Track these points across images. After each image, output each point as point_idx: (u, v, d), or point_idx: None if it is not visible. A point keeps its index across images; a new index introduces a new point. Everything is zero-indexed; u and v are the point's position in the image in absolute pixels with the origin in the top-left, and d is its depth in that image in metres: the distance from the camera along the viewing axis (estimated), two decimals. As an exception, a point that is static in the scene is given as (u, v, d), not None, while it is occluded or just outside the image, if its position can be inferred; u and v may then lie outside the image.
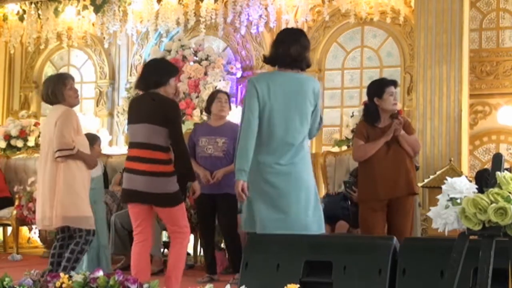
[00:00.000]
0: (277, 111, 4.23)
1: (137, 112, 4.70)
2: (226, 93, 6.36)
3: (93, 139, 5.91)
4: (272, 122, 4.23)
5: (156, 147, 4.56)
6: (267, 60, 4.44)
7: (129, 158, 4.69)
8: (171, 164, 4.61)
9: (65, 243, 4.98)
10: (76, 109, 5.24)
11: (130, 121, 4.78)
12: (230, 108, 6.23)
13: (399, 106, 7.69)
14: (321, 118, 4.39)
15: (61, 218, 4.87)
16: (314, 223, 4.23)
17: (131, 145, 4.72)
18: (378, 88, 5.30)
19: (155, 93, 4.65)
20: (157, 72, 4.71)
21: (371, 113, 5.30)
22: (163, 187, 4.55)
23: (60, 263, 4.88)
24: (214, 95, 6.23)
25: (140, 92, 4.91)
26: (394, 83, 5.38)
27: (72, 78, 5.19)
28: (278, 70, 4.36)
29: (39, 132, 9.25)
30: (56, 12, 9.28)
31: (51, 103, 5.07)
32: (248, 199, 4.22)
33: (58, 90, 4.99)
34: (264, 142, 4.23)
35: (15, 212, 7.90)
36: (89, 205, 5.01)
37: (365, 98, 8.01)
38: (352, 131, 7.63)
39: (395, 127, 5.18)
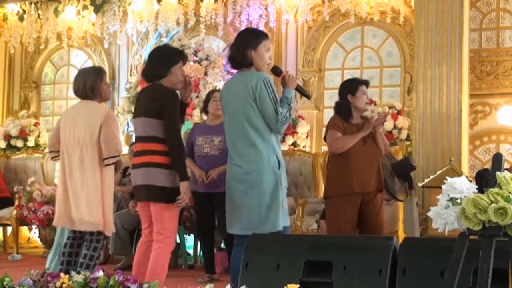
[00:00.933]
0: (227, 114, 4.36)
1: (137, 106, 4.64)
2: None
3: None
4: (227, 126, 4.35)
5: (153, 139, 4.43)
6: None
7: (133, 153, 4.71)
8: (167, 156, 4.43)
9: (76, 242, 4.94)
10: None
11: (133, 116, 4.77)
12: None
13: (399, 106, 7.74)
14: (275, 109, 4.16)
15: (109, 224, 4.85)
16: (267, 222, 4.17)
17: (135, 140, 4.75)
18: (352, 86, 5.37)
19: (156, 85, 4.52)
20: (156, 63, 4.53)
21: (345, 109, 5.33)
22: (159, 179, 4.37)
23: (70, 262, 4.85)
24: (210, 94, 6.32)
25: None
26: (366, 82, 5.46)
27: (106, 73, 5.15)
28: (236, 72, 4.45)
29: (39, 132, 9.26)
30: (56, 12, 9.29)
31: (84, 98, 4.93)
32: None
33: (97, 85, 4.90)
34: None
35: (15, 212, 7.91)
36: (112, 212, 5.00)
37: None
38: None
39: (380, 121, 5.26)
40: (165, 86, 4.49)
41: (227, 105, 4.37)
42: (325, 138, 5.48)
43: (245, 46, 4.28)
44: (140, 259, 4.56)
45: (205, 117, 8.21)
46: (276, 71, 4.50)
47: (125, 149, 8.11)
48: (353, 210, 5.18)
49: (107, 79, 5.03)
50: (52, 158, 5.17)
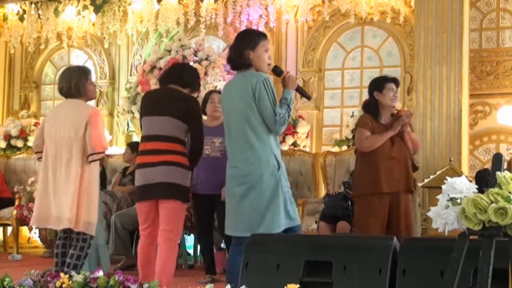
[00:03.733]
0: (227, 115, 4.36)
1: (156, 104, 4.64)
2: (219, 92, 6.36)
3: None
4: (226, 127, 4.35)
5: (175, 140, 4.54)
6: None
7: (144, 152, 4.61)
8: (187, 157, 4.61)
9: (67, 242, 4.90)
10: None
11: (147, 113, 4.69)
12: None
13: (399, 106, 7.73)
14: (273, 110, 4.15)
15: (83, 223, 4.75)
16: (263, 224, 4.15)
17: (147, 138, 4.63)
18: (378, 83, 5.35)
19: (175, 90, 4.69)
20: (193, 77, 4.86)
21: (372, 107, 5.32)
22: (179, 178, 4.51)
23: (64, 263, 4.80)
24: (208, 96, 6.27)
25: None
26: (394, 80, 5.40)
27: (91, 72, 5.13)
28: (236, 73, 4.46)
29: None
30: (56, 12, 9.29)
31: (69, 97, 4.91)
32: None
33: (82, 84, 4.88)
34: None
35: (15, 212, 7.91)
36: (97, 210, 4.90)
37: (365, 98, 8.06)
38: (352, 131, 7.63)
39: (404, 121, 5.20)
40: (183, 92, 4.71)
41: (227, 106, 4.37)
42: (353, 136, 5.47)
43: (243, 47, 4.27)
44: (145, 261, 4.55)
45: (205, 117, 8.27)
46: (276, 71, 4.50)
47: (123, 149, 8.11)
48: (382, 210, 5.14)
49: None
50: (38, 159, 5.06)
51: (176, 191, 4.50)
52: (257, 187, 4.16)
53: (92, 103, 9.55)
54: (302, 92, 4.66)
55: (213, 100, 6.11)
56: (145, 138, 4.66)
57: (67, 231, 4.89)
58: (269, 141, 4.23)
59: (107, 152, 8.44)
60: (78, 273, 3.67)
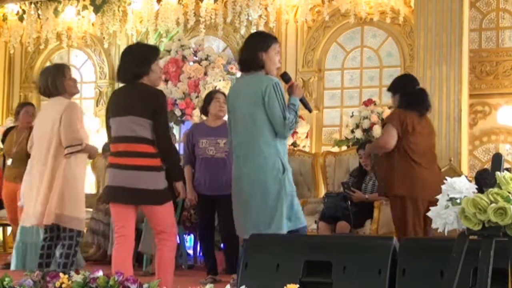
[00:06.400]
0: (233, 116, 4.36)
1: (120, 104, 4.43)
2: (223, 93, 6.34)
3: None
4: (232, 128, 4.35)
5: (141, 140, 4.31)
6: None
7: (113, 153, 4.43)
8: (159, 158, 4.35)
9: (53, 243, 4.86)
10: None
11: (113, 114, 4.47)
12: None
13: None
14: (283, 114, 4.18)
15: (54, 215, 4.70)
16: (272, 227, 4.18)
17: (115, 139, 4.44)
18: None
19: (138, 84, 4.41)
20: (136, 62, 4.41)
21: (421, 99, 5.41)
22: (150, 183, 4.28)
23: (49, 264, 4.77)
24: (212, 95, 6.21)
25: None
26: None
27: (69, 68, 5.09)
28: (244, 74, 4.45)
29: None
30: (56, 12, 9.29)
31: (50, 95, 4.93)
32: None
33: (59, 81, 4.88)
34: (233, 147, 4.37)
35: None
36: (84, 205, 4.89)
37: (365, 98, 8.06)
38: (352, 131, 7.63)
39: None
40: (149, 86, 4.42)
41: (233, 107, 4.36)
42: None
43: (256, 48, 4.29)
44: (121, 263, 4.28)
45: (204, 117, 8.26)
46: (285, 77, 4.52)
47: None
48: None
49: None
50: None
51: (149, 197, 4.30)
52: (261, 190, 4.19)
53: (91, 103, 9.64)
54: (305, 103, 4.65)
55: (219, 100, 6.05)
56: (114, 139, 4.46)
57: (53, 230, 4.86)
58: (276, 145, 4.25)
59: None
60: (69, 271, 3.67)
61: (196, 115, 8.26)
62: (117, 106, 4.47)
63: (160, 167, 4.36)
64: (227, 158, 5.78)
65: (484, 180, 2.80)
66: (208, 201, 5.93)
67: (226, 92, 7.38)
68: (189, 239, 7.54)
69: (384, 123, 5.43)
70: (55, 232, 4.87)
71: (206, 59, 8.54)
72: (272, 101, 4.18)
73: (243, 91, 4.33)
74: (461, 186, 2.74)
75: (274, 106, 4.18)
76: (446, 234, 2.78)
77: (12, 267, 6.17)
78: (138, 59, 4.44)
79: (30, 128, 7.24)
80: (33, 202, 4.81)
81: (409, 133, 5.18)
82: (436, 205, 5.13)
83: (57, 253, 4.77)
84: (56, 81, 4.87)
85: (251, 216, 4.21)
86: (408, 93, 5.35)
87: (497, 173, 2.72)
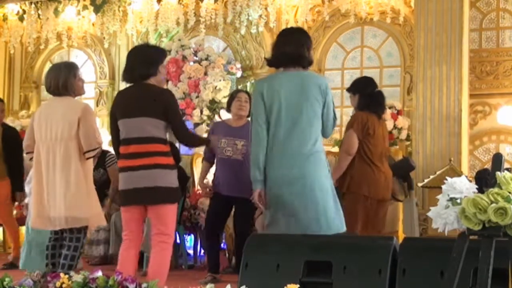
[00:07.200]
0: (283, 112, 4.20)
1: (131, 106, 4.45)
2: (247, 92, 6.30)
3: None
4: (279, 124, 4.20)
5: (154, 140, 4.37)
6: (269, 63, 4.45)
7: (124, 155, 4.44)
8: (171, 156, 4.45)
9: (58, 243, 4.81)
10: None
11: (123, 115, 4.48)
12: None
13: (399, 106, 7.74)
14: (335, 115, 4.29)
15: (98, 216, 4.77)
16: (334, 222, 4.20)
17: (125, 141, 4.44)
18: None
19: (146, 84, 4.45)
20: (144, 63, 4.49)
21: (380, 101, 5.51)
22: (164, 180, 4.35)
23: (55, 264, 4.74)
24: (234, 94, 6.16)
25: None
26: None
27: (78, 68, 4.98)
28: (283, 70, 4.33)
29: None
30: (56, 12, 9.29)
31: (58, 95, 4.80)
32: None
33: (70, 81, 4.76)
34: (271, 147, 4.21)
35: (15, 212, 7.89)
36: (98, 200, 4.85)
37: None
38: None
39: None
40: (157, 86, 4.48)
41: (278, 101, 4.20)
42: None
43: (310, 45, 4.32)
44: (125, 265, 4.36)
45: (205, 117, 8.27)
46: None
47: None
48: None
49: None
50: (30, 159, 4.96)
51: (163, 195, 4.37)
52: (316, 187, 4.17)
53: (91, 102, 9.63)
54: None
55: (240, 99, 6.00)
56: (125, 141, 4.47)
57: (58, 232, 4.80)
58: (321, 141, 4.29)
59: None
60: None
61: (196, 115, 8.26)
62: (127, 108, 4.48)
63: (173, 165, 4.44)
64: (244, 160, 5.73)
65: (485, 180, 2.80)
66: (223, 200, 5.89)
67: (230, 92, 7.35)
68: (189, 239, 7.53)
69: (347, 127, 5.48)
70: (60, 234, 4.82)
71: (206, 59, 8.54)
72: (330, 101, 4.25)
73: (294, 86, 4.21)
74: (461, 186, 2.74)
75: (331, 107, 4.26)
76: (446, 234, 2.78)
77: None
78: (147, 60, 4.50)
79: (2, 125, 7.25)
80: (54, 207, 4.69)
81: (370, 136, 5.31)
82: (382, 202, 5.29)
83: (62, 253, 4.72)
84: (68, 81, 4.76)
85: (324, 215, 4.15)
86: (368, 95, 5.49)
87: (497, 173, 2.72)
